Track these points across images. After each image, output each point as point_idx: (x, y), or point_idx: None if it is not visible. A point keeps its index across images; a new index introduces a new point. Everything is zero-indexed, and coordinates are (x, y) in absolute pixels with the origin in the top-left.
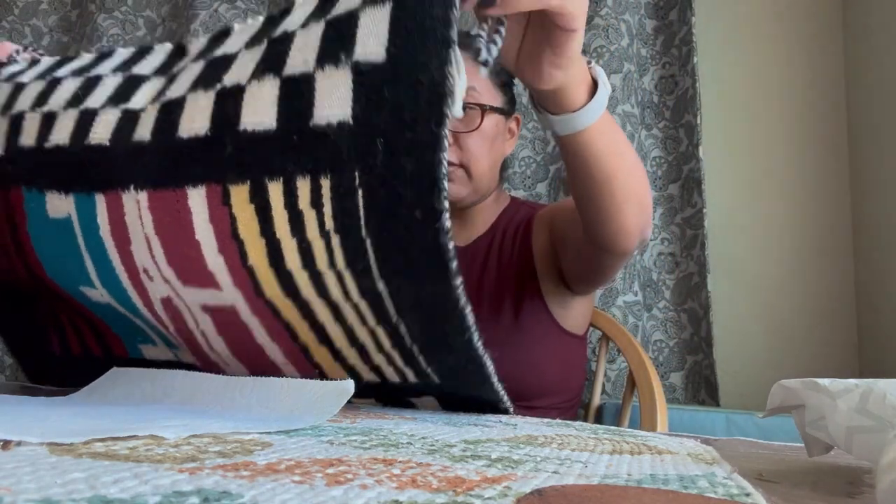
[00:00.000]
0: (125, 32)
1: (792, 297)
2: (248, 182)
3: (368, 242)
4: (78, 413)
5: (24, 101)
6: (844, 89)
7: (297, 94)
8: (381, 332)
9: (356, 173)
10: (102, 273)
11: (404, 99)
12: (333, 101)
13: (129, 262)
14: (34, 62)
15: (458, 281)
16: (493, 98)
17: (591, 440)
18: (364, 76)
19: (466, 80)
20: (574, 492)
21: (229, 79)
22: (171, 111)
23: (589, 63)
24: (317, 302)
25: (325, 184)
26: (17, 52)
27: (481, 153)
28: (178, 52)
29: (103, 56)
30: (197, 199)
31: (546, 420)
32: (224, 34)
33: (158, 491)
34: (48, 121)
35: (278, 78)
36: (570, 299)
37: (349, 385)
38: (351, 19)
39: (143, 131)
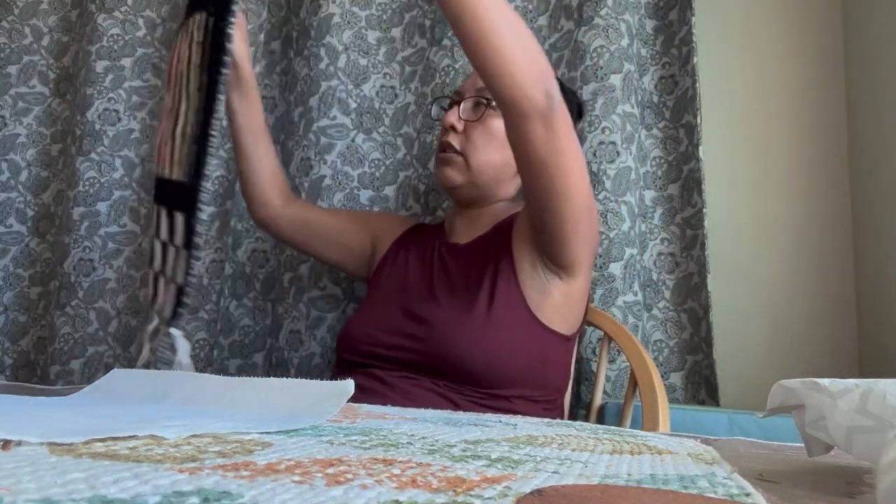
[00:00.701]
0: (125, 32)
1: (792, 297)
2: (191, 15)
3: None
4: (78, 413)
5: None
6: (844, 89)
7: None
8: (191, 120)
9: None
10: None
11: None
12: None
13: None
14: None
15: (216, 100)
16: None
17: (591, 440)
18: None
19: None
20: (574, 492)
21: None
22: None
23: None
24: (184, 95)
25: (206, 19)
26: None
27: (482, 146)
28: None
29: None
30: (184, 31)
31: (546, 420)
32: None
33: (158, 491)
34: None
35: None
36: (551, 286)
37: (349, 385)
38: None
39: None
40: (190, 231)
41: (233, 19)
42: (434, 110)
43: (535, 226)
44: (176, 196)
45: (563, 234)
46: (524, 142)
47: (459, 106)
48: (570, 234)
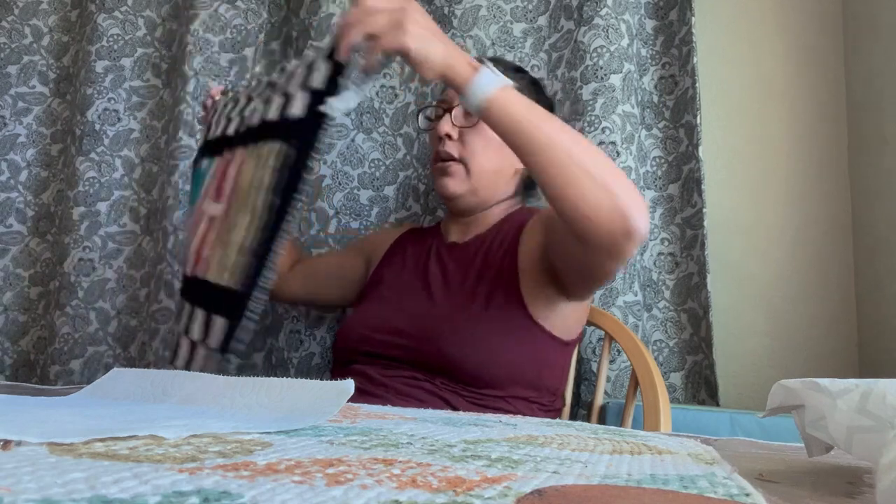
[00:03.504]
0: (125, 32)
1: (792, 297)
2: (255, 144)
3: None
4: (78, 413)
5: (225, 111)
6: (844, 89)
7: (287, 105)
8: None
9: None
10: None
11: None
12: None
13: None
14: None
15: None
16: None
17: (591, 440)
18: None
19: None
20: (574, 492)
21: (272, 95)
22: (246, 113)
23: (480, 60)
24: (249, 211)
25: (281, 148)
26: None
27: (481, 151)
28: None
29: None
30: (239, 154)
31: (546, 420)
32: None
33: (158, 491)
34: (227, 122)
35: (283, 95)
36: (560, 302)
37: (349, 385)
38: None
39: (238, 125)
40: (229, 337)
41: (316, 155)
42: (420, 121)
43: (560, 268)
44: (220, 300)
45: (592, 287)
46: (590, 265)
47: (450, 113)
48: (600, 286)
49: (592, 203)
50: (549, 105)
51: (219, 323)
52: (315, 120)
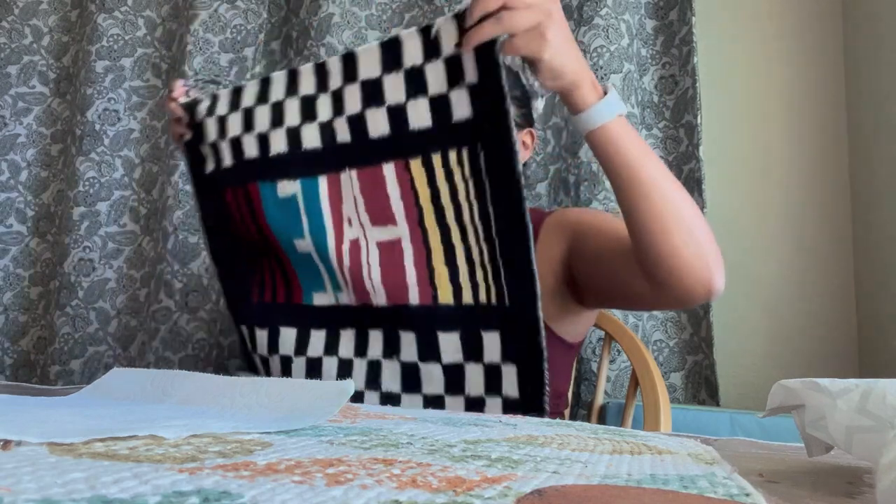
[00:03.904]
0: (125, 32)
1: (792, 296)
2: (420, 156)
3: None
4: (78, 413)
5: (235, 128)
6: (844, 89)
7: (443, 109)
8: (484, 248)
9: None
10: (313, 225)
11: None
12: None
13: (337, 214)
14: (214, 97)
15: (528, 224)
16: None
17: (591, 440)
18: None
19: None
20: (574, 492)
21: (390, 100)
22: (357, 123)
23: (602, 79)
24: (454, 226)
25: (452, 156)
26: (188, 89)
27: None
28: (322, 77)
29: (266, 82)
30: (388, 170)
31: (546, 420)
32: (353, 56)
33: (158, 491)
34: (264, 140)
35: (427, 98)
36: (573, 307)
37: (349, 385)
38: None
39: (343, 136)
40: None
41: (516, 148)
42: None
43: (594, 285)
44: (486, 318)
45: (626, 309)
46: (645, 301)
47: None
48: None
49: (684, 257)
50: (528, 94)
51: (453, 340)
52: (498, 119)
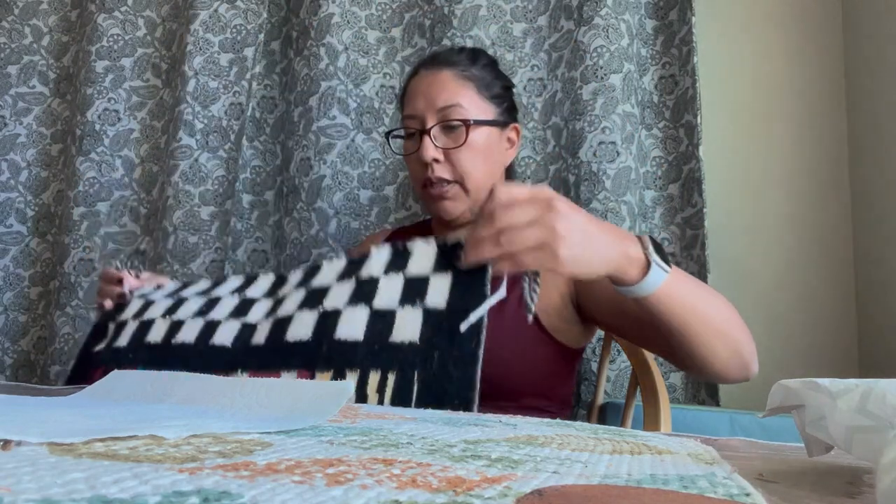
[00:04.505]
0: (125, 32)
1: (792, 297)
2: (332, 371)
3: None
4: (78, 413)
5: (155, 311)
6: (844, 89)
7: (382, 320)
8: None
9: (415, 374)
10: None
11: (455, 331)
12: (407, 329)
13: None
14: (159, 286)
15: None
16: (482, 111)
17: (591, 440)
18: (430, 315)
19: (452, 97)
20: (574, 492)
21: (329, 304)
22: (281, 325)
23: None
24: None
25: (391, 378)
26: (132, 292)
27: (473, 167)
28: (279, 282)
29: (219, 283)
30: (288, 377)
31: (546, 420)
32: (315, 269)
33: (158, 491)
34: (176, 326)
35: (368, 307)
36: (578, 322)
37: (349, 385)
38: (424, 281)
39: (259, 338)
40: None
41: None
42: (394, 145)
43: (606, 325)
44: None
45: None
46: (670, 361)
47: (428, 134)
48: None
49: (722, 360)
50: (508, 85)
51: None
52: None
